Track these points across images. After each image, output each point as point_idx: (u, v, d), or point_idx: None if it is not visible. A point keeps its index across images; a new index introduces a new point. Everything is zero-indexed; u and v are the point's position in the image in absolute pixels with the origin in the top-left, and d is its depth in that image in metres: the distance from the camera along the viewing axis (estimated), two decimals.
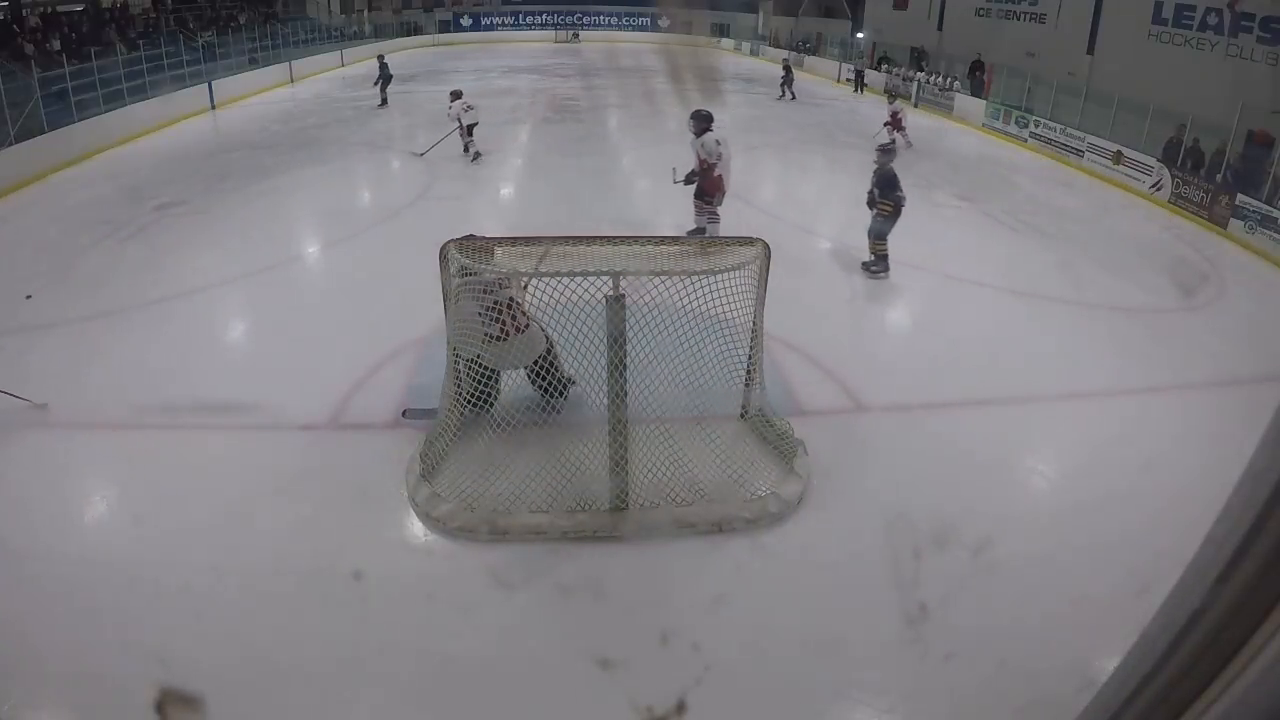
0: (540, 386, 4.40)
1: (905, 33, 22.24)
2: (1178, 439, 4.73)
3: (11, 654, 3.03)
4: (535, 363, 4.37)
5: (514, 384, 4.58)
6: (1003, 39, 18.19)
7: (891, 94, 16.03)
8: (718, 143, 7.45)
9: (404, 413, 4.76)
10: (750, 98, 19.19)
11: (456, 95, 11.05)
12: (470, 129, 11.08)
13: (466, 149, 11.16)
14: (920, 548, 3.72)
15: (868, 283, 7.30)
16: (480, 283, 4.10)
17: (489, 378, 4.24)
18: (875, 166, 7.47)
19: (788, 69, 19.69)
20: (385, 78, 16.43)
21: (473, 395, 4.19)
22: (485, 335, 4.16)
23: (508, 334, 4.19)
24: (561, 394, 4.40)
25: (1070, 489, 4.39)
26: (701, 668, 3.02)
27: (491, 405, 4.22)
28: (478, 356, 4.21)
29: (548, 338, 4.34)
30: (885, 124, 13.28)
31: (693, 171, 7.66)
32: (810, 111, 17.92)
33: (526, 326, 4.27)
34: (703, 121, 7.61)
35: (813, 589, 3.52)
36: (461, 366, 4.27)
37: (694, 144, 7.62)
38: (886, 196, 7.20)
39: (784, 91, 19.14)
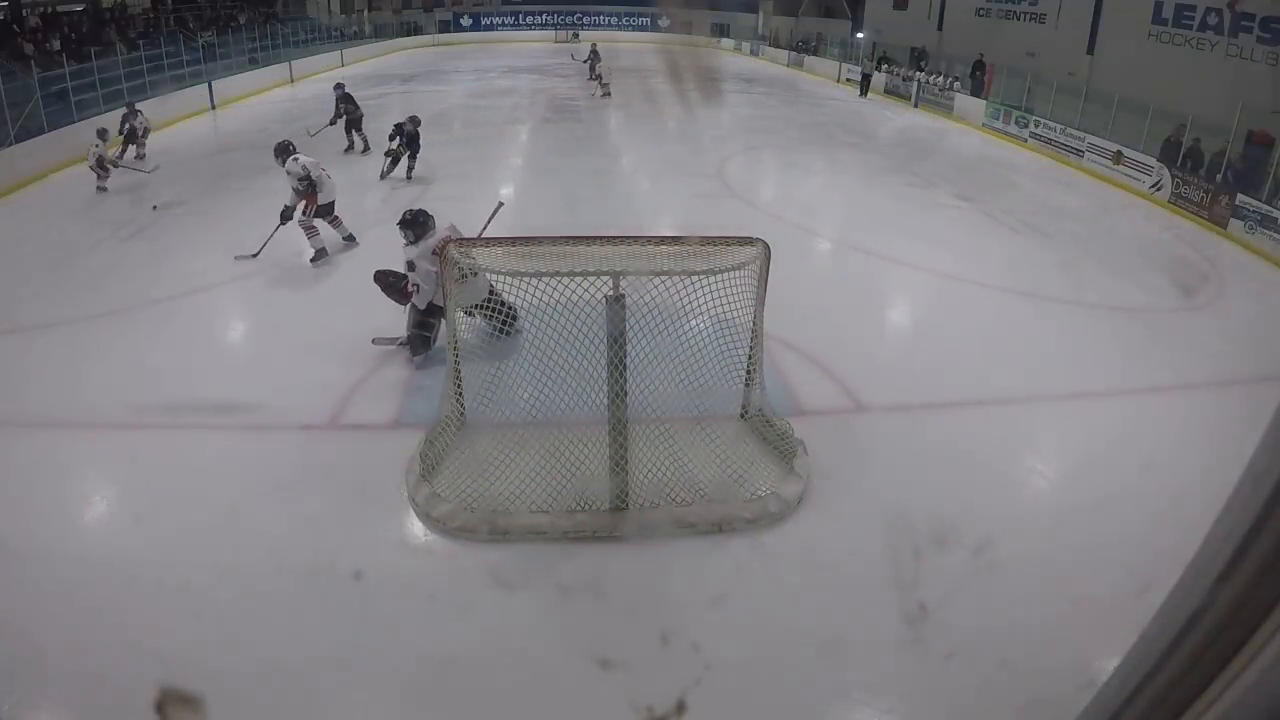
0: (496, 323, 4.70)
1: (905, 33, 22.23)
2: (1178, 439, 4.74)
3: (11, 654, 3.03)
4: (483, 305, 4.92)
5: (510, 384, 4.58)
6: (1003, 39, 18.19)
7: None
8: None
9: (373, 340, 5.46)
10: (751, 98, 19.20)
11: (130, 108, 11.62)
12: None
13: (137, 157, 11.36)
14: (920, 548, 3.72)
15: (867, 281, 7.32)
16: (437, 245, 4.69)
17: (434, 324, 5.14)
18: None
19: (594, 52, 19.80)
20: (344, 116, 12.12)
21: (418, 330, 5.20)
22: (458, 276, 4.37)
23: (465, 276, 4.41)
24: (513, 320, 4.72)
25: (1070, 489, 4.39)
26: (701, 668, 3.02)
27: (429, 344, 5.29)
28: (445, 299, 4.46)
29: (491, 286, 4.88)
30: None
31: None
32: (810, 111, 17.93)
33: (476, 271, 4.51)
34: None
35: (813, 589, 3.52)
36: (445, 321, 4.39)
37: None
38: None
39: (592, 73, 19.04)
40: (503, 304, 4.71)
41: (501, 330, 4.70)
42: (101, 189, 9.83)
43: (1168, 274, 8.10)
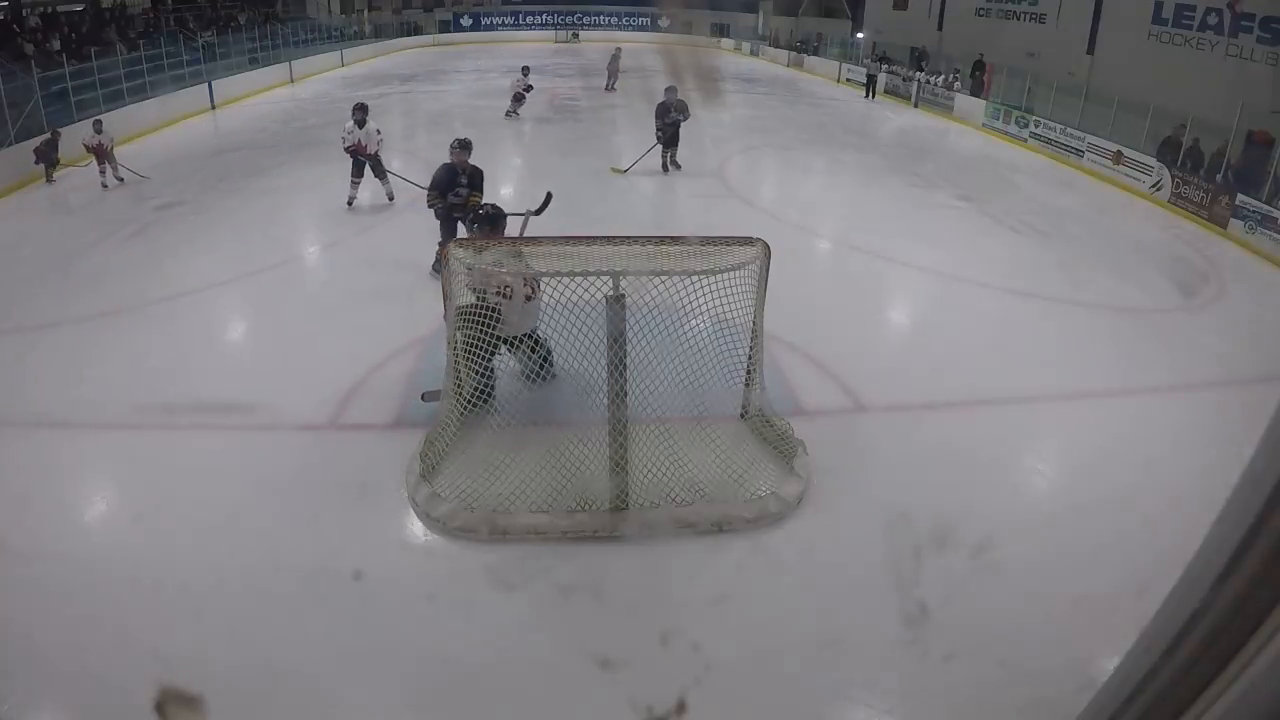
0: (533, 360, 4.53)
1: (905, 33, 22.22)
2: (1177, 439, 4.74)
3: (11, 654, 3.03)
4: (533, 334, 4.49)
5: (510, 385, 4.59)
6: (1003, 39, 18.19)
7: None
8: None
9: (423, 396, 4.71)
10: (751, 98, 19.19)
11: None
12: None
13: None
14: (920, 548, 3.71)
15: (867, 281, 7.31)
16: (499, 262, 4.10)
17: (487, 373, 4.29)
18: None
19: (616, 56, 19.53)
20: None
21: (474, 393, 4.21)
22: (524, 296, 4.27)
23: (536, 293, 4.34)
24: (550, 360, 4.56)
25: (1070, 489, 4.39)
26: (701, 668, 3.02)
27: (491, 399, 4.32)
28: (500, 326, 4.23)
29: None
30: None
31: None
32: (810, 111, 17.92)
33: (539, 286, 4.37)
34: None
35: (813, 589, 3.52)
36: (463, 364, 4.28)
37: None
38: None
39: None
40: (541, 342, 4.50)
41: (538, 375, 4.50)
42: (105, 184, 9.86)
43: (1168, 274, 8.10)
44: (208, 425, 4.69)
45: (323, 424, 4.69)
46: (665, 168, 10.29)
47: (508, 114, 15.26)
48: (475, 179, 6.45)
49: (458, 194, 6.24)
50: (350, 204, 8.92)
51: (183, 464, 4.30)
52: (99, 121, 10.31)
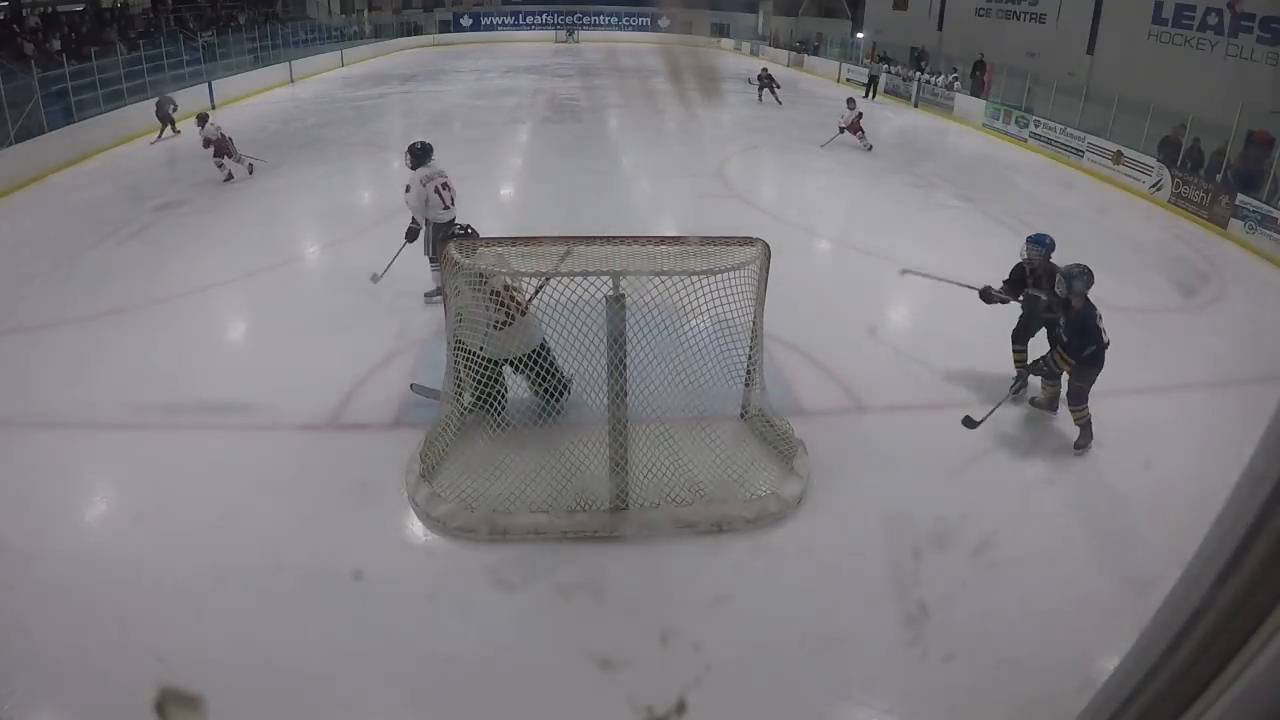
0: (542, 390, 4.41)
1: (905, 33, 22.22)
2: (1177, 439, 4.74)
3: (12, 654, 3.03)
4: (534, 357, 4.33)
5: (517, 383, 4.59)
6: (1003, 39, 18.19)
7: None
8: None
9: (411, 386, 4.90)
10: (750, 98, 19.18)
11: None
12: None
13: None
14: (920, 548, 3.72)
15: (868, 281, 7.30)
16: (475, 273, 3.99)
17: (495, 377, 4.24)
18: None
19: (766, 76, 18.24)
20: None
21: (480, 396, 4.17)
22: (489, 323, 4.13)
23: (512, 318, 4.19)
24: (564, 393, 4.43)
25: (1070, 488, 4.39)
26: (701, 668, 3.02)
27: (501, 406, 4.22)
28: (482, 348, 4.15)
29: (544, 340, 4.37)
30: (843, 128, 13.14)
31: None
32: (810, 111, 17.92)
33: (525, 310, 4.24)
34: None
35: (813, 589, 3.52)
36: (462, 367, 4.27)
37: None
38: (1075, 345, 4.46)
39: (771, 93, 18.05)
40: (554, 366, 4.34)
41: (548, 406, 4.31)
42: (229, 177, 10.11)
43: (1168, 274, 8.09)
44: (208, 425, 4.69)
45: (323, 424, 4.69)
46: (1047, 405, 5.03)
47: (849, 133, 13.31)
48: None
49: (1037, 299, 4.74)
50: (440, 297, 5.76)
51: (183, 464, 4.31)
52: (204, 116, 10.41)
